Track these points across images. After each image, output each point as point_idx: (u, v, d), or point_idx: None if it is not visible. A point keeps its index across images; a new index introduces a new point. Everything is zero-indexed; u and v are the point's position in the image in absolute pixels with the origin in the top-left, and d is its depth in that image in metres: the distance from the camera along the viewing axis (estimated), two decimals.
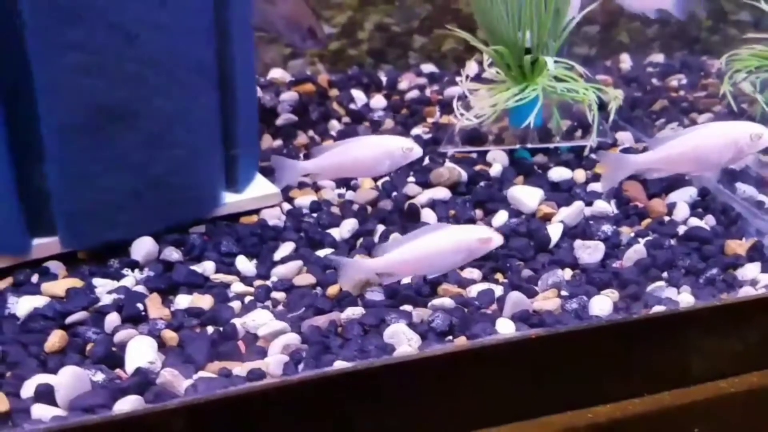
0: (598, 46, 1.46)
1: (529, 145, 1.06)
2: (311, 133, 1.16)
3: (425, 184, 0.98)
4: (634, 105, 1.25)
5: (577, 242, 0.86)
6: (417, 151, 0.91)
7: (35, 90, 0.74)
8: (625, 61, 1.44)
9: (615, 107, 1.03)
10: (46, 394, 0.63)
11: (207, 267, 0.82)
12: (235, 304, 0.77)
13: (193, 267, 0.82)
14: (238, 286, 0.81)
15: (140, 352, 0.68)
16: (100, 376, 0.66)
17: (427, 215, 0.93)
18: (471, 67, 1.27)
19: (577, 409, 0.69)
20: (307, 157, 1.03)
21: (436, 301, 0.77)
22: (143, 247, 0.82)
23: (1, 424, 0.62)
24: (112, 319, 0.73)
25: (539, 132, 1.07)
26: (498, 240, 0.77)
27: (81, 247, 0.82)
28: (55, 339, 0.70)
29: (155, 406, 0.60)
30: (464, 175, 0.99)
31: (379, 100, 1.25)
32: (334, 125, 1.18)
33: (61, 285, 0.78)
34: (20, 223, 0.78)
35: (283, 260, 0.85)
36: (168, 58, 0.80)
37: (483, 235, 0.77)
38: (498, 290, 0.79)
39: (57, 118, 0.75)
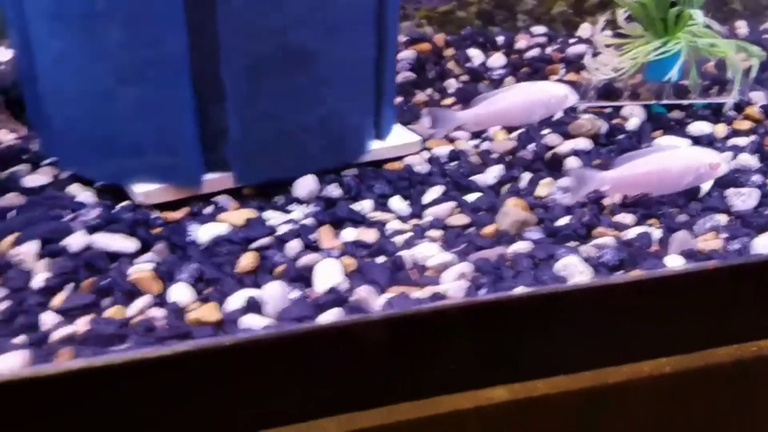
0: (713, 11, 1.46)
1: (664, 101, 1.07)
2: (429, 91, 1.19)
3: (565, 135, 1.00)
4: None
5: (730, 190, 0.88)
6: (572, 98, 0.94)
7: (217, 30, 0.78)
8: (742, 27, 1.43)
9: (757, 65, 1.03)
10: (255, 306, 0.68)
11: (365, 205, 0.87)
12: (396, 239, 0.81)
13: (351, 206, 0.86)
14: (395, 224, 0.84)
15: (328, 273, 0.72)
16: (295, 294, 0.71)
17: (572, 164, 0.95)
18: (585, 29, 1.29)
19: (743, 342, 0.70)
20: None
21: (597, 241, 0.79)
22: (306, 185, 0.87)
23: (213, 332, 0.66)
24: (294, 245, 0.78)
25: (674, 88, 1.07)
26: (725, 168, 0.80)
27: (251, 182, 0.87)
28: (248, 260, 0.75)
29: (367, 316, 0.63)
30: (604, 127, 1.01)
31: (497, 59, 1.26)
32: (452, 83, 1.21)
33: (238, 215, 0.82)
34: (197, 159, 0.83)
35: (434, 202, 0.88)
36: (341, 1, 0.84)
37: (713, 160, 0.80)
38: (656, 233, 0.81)
39: (237, 58, 0.79)
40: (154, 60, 0.77)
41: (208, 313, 0.68)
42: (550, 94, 0.95)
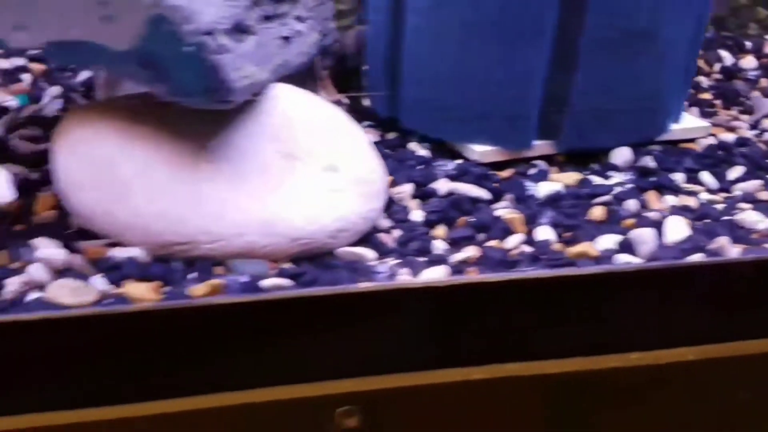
0: None
1: None
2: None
3: None
4: None
5: None
6: None
7: (588, 5, 0.88)
8: None
9: None
10: (627, 247, 0.78)
11: (677, 177, 0.96)
12: (715, 207, 0.90)
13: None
14: (706, 196, 0.93)
15: (677, 227, 0.81)
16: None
17: None
18: None
19: None
20: None
21: None
22: (623, 154, 0.97)
23: (590, 264, 0.77)
24: (631, 204, 0.87)
25: None
26: None
27: (574, 149, 0.96)
28: (598, 212, 0.85)
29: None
30: None
31: (749, 61, 1.33)
32: (702, 80, 1.28)
33: (567, 177, 0.94)
34: (533, 125, 0.94)
35: (740, 179, 0.95)
36: None
37: None
38: None
39: (599, 31, 0.89)
40: (516, 27, 0.88)
41: (588, 248, 0.78)
42: None
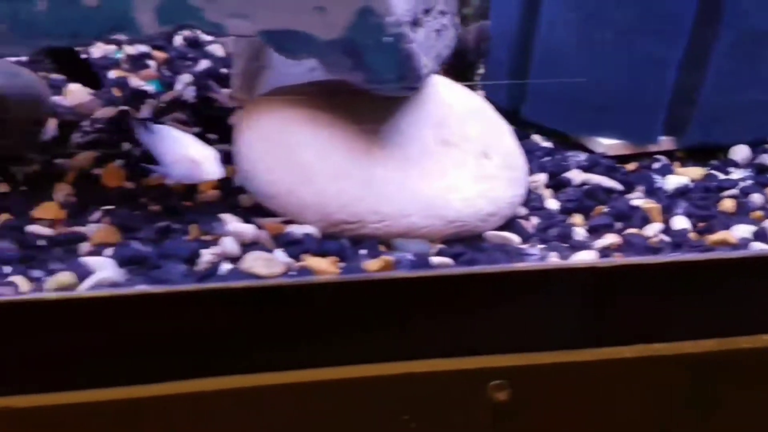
0: None
1: None
2: None
3: None
4: None
5: None
6: None
7: (725, 5, 0.92)
8: None
9: None
10: (761, 236, 0.83)
11: None
12: None
13: None
14: None
15: None
16: None
17: None
18: None
19: None
20: None
21: None
22: (741, 151, 1.01)
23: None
24: (756, 197, 0.92)
25: None
26: None
27: (695, 145, 1.00)
28: (728, 203, 0.90)
29: None
30: None
31: None
32: None
33: (693, 171, 0.98)
34: (660, 119, 0.98)
35: None
36: None
37: None
38: None
39: (730, 33, 0.93)
40: (654, 23, 0.91)
41: (726, 236, 0.82)
42: None
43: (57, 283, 0.73)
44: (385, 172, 0.80)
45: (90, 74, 0.97)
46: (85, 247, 0.79)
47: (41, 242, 0.79)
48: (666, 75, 0.95)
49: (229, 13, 0.68)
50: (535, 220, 0.89)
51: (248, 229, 0.78)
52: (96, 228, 0.81)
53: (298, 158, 0.80)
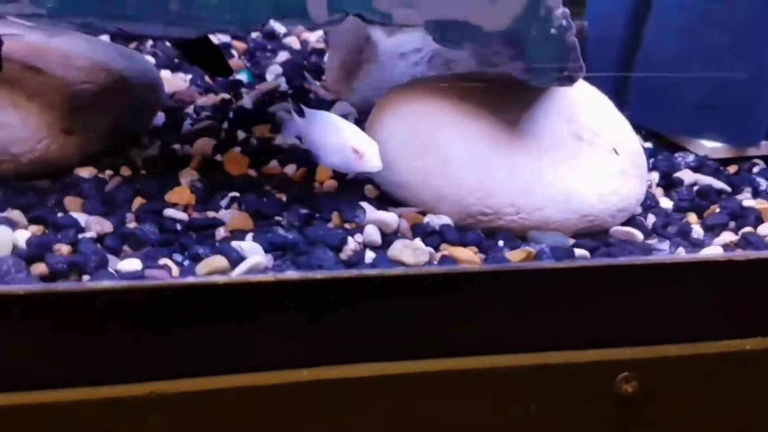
0: None
1: None
2: None
3: None
4: None
5: None
6: None
7: None
8: None
9: None
10: None
11: None
12: None
13: None
14: None
15: None
16: None
17: None
18: None
19: None
20: None
21: None
22: None
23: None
24: None
25: None
26: None
27: None
28: None
29: None
30: None
31: None
32: None
33: None
34: (764, 123, 1.00)
35: None
36: None
37: None
38: None
39: None
40: (761, 29, 0.94)
41: None
42: None
43: (209, 267, 0.75)
44: (523, 165, 0.81)
45: (221, 62, 0.96)
46: (220, 232, 0.79)
47: (179, 226, 0.79)
48: None
49: (398, 3, 0.69)
50: (651, 218, 0.91)
51: (392, 218, 0.79)
52: (230, 214, 0.81)
53: (440, 148, 0.80)
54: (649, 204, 0.93)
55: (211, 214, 0.82)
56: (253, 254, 0.75)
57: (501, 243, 0.80)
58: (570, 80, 0.77)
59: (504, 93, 0.84)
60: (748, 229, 0.88)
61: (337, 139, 0.79)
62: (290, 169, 0.92)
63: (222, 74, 0.99)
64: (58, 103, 0.83)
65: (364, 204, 0.83)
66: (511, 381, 0.78)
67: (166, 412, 0.66)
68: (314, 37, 1.41)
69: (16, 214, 0.78)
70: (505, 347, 0.77)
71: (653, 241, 0.85)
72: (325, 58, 1.30)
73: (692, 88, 1.01)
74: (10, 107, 0.80)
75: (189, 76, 1.24)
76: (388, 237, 0.79)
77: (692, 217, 0.91)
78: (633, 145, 0.89)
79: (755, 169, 1.03)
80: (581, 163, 0.84)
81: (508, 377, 0.78)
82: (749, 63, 0.98)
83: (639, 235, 0.86)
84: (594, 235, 0.85)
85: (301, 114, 0.86)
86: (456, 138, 0.81)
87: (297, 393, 0.68)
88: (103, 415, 0.65)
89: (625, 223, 0.87)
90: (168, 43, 1.07)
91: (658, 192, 0.96)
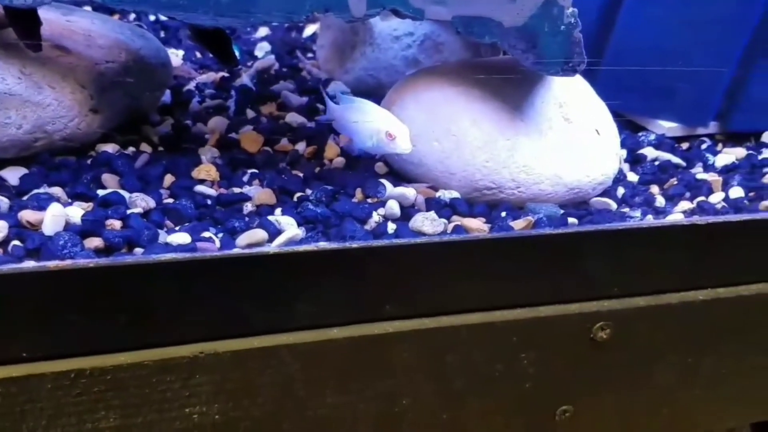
0: None
1: None
2: None
3: None
4: None
5: None
6: None
7: None
8: None
9: None
10: None
11: None
12: None
13: None
14: None
15: None
16: None
17: None
18: None
19: None
20: None
21: None
22: None
23: None
24: None
25: None
26: None
27: (736, 130, 1.14)
28: None
29: None
30: None
31: None
32: None
33: (737, 151, 1.15)
34: (714, 107, 1.12)
35: None
36: None
37: None
38: None
39: None
40: (721, 22, 1.06)
41: None
42: None
43: (250, 239, 0.80)
44: (525, 144, 0.91)
45: (230, 51, 0.98)
46: (248, 207, 0.85)
47: (209, 201, 0.84)
48: (725, 66, 1.12)
49: (431, 0, 0.75)
50: (621, 190, 1.04)
51: (412, 193, 0.88)
52: (255, 190, 0.87)
53: (457, 132, 0.89)
54: (618, 177, 1.07)
55: (236, 189, 0.88)
56: (290, 227, 0.82)
57: (503, 214, 0.92)
58: (573, 71, 0.87)
59: (506, 81, 0.94)
60: (701, 198, 1.03)
61: (372, 123, 0.85)
62: (300, 146, 0.99)
63: (229, 63, 1.02)
64: (88, 83, 0.86)
65: (384, 180, 0.90)
66: (510, 331, 0.90)
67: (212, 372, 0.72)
68: None
69: (57, 191, 0.82)
70: (505, 304, 0.88)
71: (626, 210, 0.99)
72: (305, 34, 1.34)
73: (654, 74, 1.15)
74: (47, 87, 0.82)
75: (181, 52, 1.27)
76: (405, 210, 0.88)
77: (655, 189, 1.05)
78: (610, 126, 1.01)
79: (703, 146, 1.19)
80: (570, 142, 0.95)
81: (507, 329, 0.90)
82: (711, 55, 1.11)
83: (614, 205, 0.99)
84: (576, 205, 0.97)
85: (335, 98, 0.92)
86: (469, 123, 0.90)
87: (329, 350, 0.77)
88: (154, 373, 0.71)
89: (601, 195, 1.01)
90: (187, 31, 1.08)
91: (626, 167, 1.10)
